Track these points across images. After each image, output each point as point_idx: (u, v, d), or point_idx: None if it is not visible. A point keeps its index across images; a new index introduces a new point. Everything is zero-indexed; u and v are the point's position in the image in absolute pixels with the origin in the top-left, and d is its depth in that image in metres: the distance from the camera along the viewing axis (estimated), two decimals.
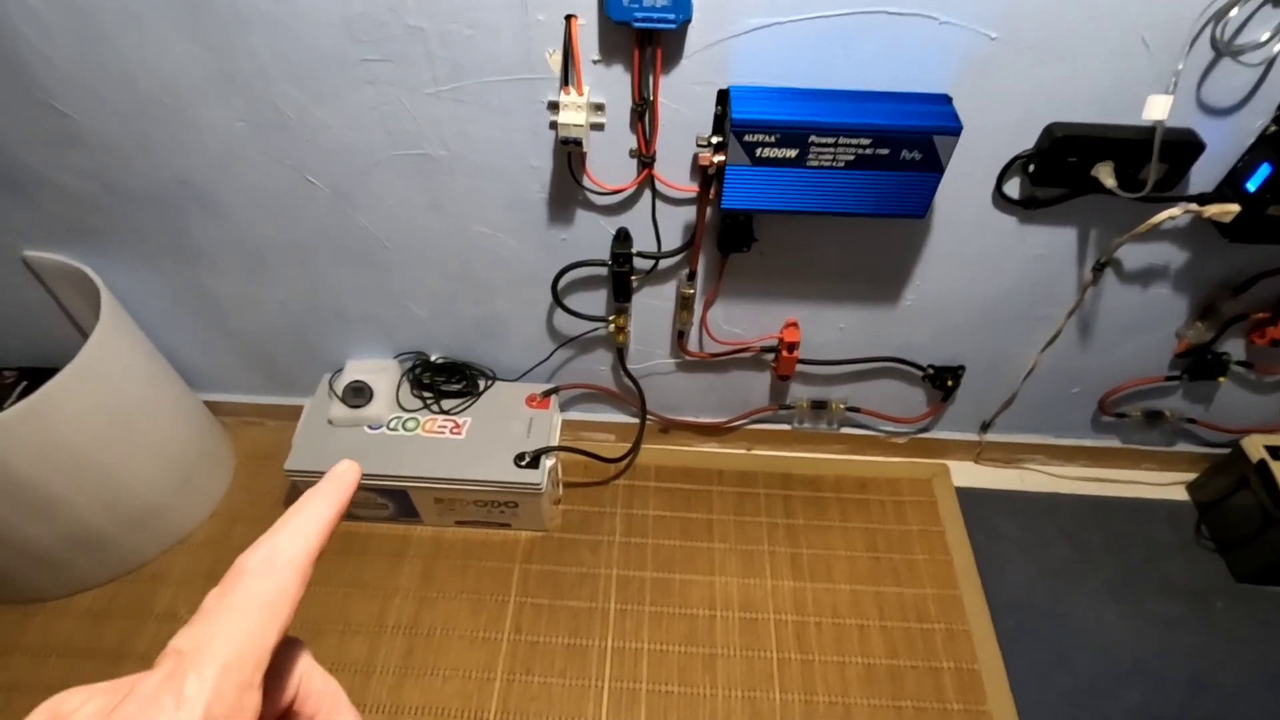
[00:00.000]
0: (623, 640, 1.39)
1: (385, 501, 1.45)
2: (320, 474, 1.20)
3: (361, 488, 1.39)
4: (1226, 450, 1.54)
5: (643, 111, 1.01)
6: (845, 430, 1.63)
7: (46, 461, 1.18)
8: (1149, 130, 0.95)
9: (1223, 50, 0.91)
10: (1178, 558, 1.54)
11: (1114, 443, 1.63)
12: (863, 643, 1.39)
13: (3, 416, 1.09)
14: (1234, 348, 1.37)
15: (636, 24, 0.88)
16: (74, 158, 1.13)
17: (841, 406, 1.54)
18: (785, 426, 1.64)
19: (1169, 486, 1.65)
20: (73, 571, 1.37)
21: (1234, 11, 0.86)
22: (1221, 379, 1.39)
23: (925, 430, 1.63)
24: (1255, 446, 1.46)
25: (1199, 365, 1.38)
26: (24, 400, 1.11)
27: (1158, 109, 0.89)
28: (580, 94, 0.97)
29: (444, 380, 1.48)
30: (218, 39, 0.97)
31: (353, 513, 1.50)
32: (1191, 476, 1.64)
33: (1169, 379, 1.43)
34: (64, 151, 1.12)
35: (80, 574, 1.39)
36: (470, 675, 1.33)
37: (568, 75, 0.96)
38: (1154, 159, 0.92)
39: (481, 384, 1.50)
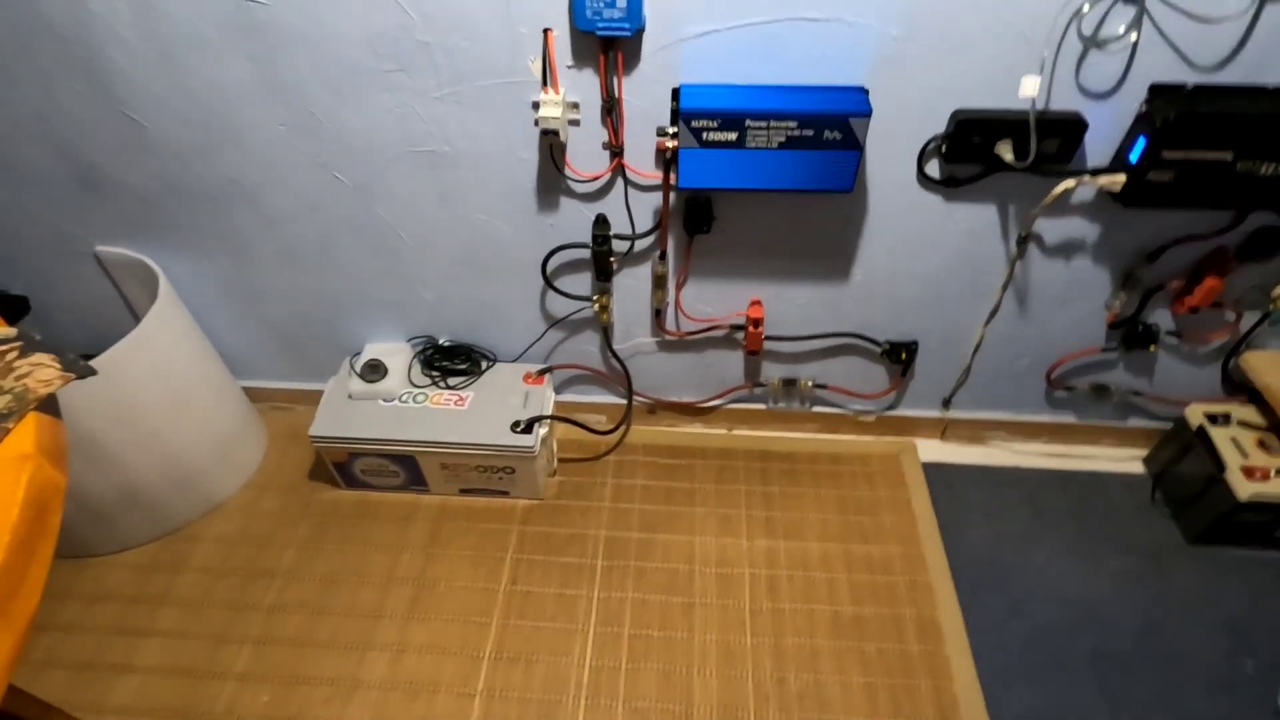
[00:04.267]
0: (608, 591, 1.52)
1: (396, 469, 1.62)
2: (341, 439, 1.47)
3: (374, 454, 1.57)
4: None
5: (610, 108, 1.21)
6: (817, 409, 1.78)
7: (109, 418, 1.38)
8: (1035, 110, 1.13)
9: (1087, 43, 1.09)
10: (1133, 521, 1.63)
11: (1071, 419, 1.75)
12: (830, 593, 1.51)
13: None
14: (1163, 320, 1.51)
15: (599, 32, 1.09)
16: (144, 161, 1.36)
17: (810, 384, 1.69)
18: (761, 406, 1.79)
19: (1126, 461, 1.76)
20: (123, 527, 1.55)
21: (1086, 8, 1.04)
22: (1153, 347, 1.52)
23: (892, 408, 1.77)
24: (1195, 414, 1.58)
25: (1131, 336, 1.52)
26: (95, 358, 1.31)
27: (1029, 87, 1.07)
28: (557, 93, 1.18)
29: (451, 361, 1.67)
30: (266, 55, 1.20)
31: (366, 481, 1.67)
32: (1146, 451, 1.74)
33: (1106, 350, 1.56)
34: (136, 156, 1.36)
35: (129, 530, 1.57)
36: (469, 620, 1.47)
37: (546, 78, 1.17)
38: (1032, 129, 1.10)
39: (484, 364, 1.68)
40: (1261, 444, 1.51)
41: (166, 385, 1.48)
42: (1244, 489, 1.44)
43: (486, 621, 1.47)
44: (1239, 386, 1.60)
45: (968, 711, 1.32)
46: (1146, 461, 1.74)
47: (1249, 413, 1.57)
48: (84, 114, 1.30)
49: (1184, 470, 1.61)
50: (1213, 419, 1.56)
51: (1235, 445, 1.51)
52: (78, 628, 1.47)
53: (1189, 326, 1.51)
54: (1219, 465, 1.50)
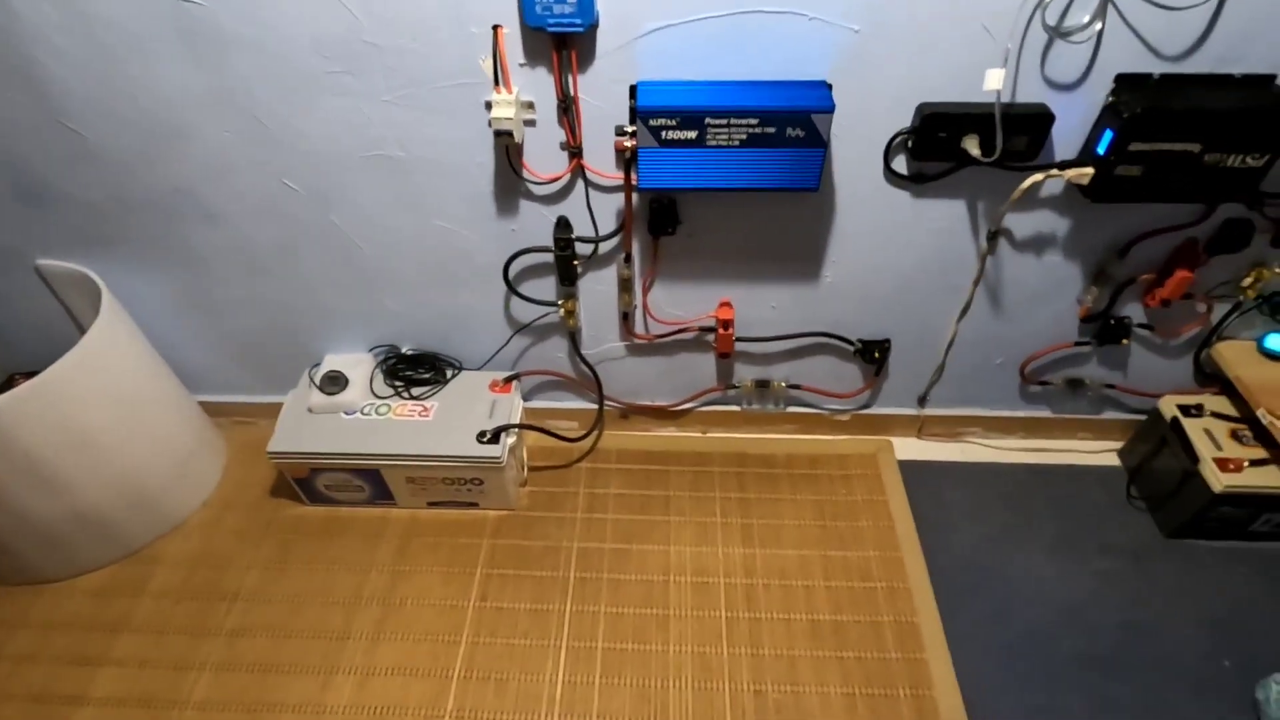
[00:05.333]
0: (582, 604, 1.48)
1: (361, 483, 1.57)
2: (300, 455, 1.40)
3: (336, 469, 1.52)
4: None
5: (567, 107, 1.17)
6: (792, 410, 1.75)
7: (54, 440, 1.32)
8: (1001, 103, 1.10)
9: (1052, 33, 1.07)
10: (1110, 517, 1.62)
11: (1045, 413, 1.73)
12: (808, 601, 1.48)
13: (14, 393, 1.23)
14: (1135, 313, 1.49)
15: (550, 29, 1.05)
16: (86, 171, 1.30)
17: (783, 385, 1.66)
18: (736, 408, 1.75)
19: (1102, 453, 1.74)
20: (77, 551, 1.49)
21: None
22: (1125, 340, 1.50)
23: (867, 406, 1.74)
24: (1169, 406, 1.57)
25: (1104, 330, 1.50)
26: (32, 379, 1.25)
27: (994, 80, 1.05)
28: (510, 92, 1.14)
29: (414, 370, 1.62)
30: (208, 60, 1.15)
31: (331, 497, 1.62)
32: (1121, 443, 1.73)
33: (1079, 344, 1.54)
34: (77, 166, 1.30)
35: (84, 554, 1.51)
36: (439, 638, 1.43)
37: (498, 77, 1.13)
38: (997, 122, 1.07)
39: (449, 373, 1.63)
40: (1234, 435, 1.50)
41: (115, 403, 1.42)
42: (1218, 481, 1.43)
43: (456, 640, 1.43)
44: (1211, 378, 1.60)
45: (948, 718, 1.30)
46: (1122, 454, 1.73)
47: (1221, 404, 1.56)
48: (19, 121, 1.24)
49: (1159, 465, 1.60)
50: (1186, 410, 1.55)
51: (1209, 437, 1.50)
52: (30, 658, 1.41)
53: (1161, 319, 1.50)
54: (1193, 458, 1.49)
